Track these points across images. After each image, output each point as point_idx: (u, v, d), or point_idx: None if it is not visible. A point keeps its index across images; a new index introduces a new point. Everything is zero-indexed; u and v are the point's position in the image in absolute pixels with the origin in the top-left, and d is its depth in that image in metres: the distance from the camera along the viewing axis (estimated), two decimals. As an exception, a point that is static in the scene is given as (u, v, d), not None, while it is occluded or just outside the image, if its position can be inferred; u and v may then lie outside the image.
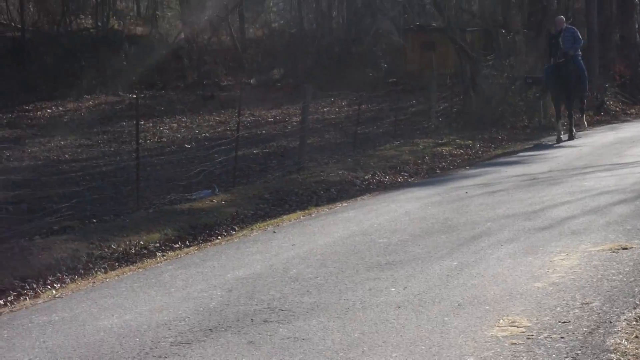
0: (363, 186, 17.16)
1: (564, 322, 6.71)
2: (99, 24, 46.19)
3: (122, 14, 51.46)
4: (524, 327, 6.66)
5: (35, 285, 9.78)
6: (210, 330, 7.13)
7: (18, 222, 13.46)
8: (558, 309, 7.10)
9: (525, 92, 29.49)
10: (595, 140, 23.94)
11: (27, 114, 33.93)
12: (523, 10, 34.25)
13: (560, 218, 11.42)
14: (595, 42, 37.39)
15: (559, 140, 23.54)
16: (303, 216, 13.64)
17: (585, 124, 26.50)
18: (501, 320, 6.86)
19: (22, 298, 9.29)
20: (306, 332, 6.85)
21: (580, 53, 24.05)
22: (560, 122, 24.24)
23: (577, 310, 7.02)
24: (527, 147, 23.34)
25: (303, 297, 8.04)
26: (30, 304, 8.88)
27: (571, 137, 23.85)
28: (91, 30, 45.74)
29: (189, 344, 6.77)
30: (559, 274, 8.26)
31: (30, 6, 45.30)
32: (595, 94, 34.94)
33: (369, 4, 39.26)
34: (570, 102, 24.13)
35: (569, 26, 24.45)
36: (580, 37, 24.27)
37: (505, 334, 6.52)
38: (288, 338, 6.73)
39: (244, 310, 7.67)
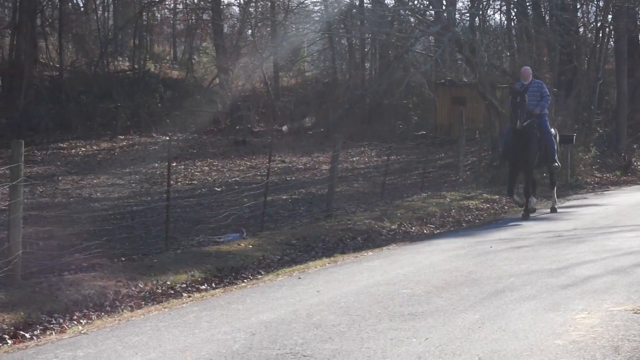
0: (389, 236, 17.15)
1: (583, 380, 6.67)
2: (136, 66, 46.44)
3: (158, 57, 51.81)
4: (544, 383, 6.61)
5: (61, 321, 9.80)
6: (232, 372, 7.12)
7: (48, 258, 13.51)
8: (578, 366, 7.05)
9: (553, 149, 29.45)
10: (622, 200, 23.88)
11: (61, 151, 34.11)
12: (554, 69, 34.30)
13: (584, 276, 11.37)
14: (624, 103, 37.51)
15: (525, 216, 19.35)
16: (329, 263, 13.62)
17: (556, 201, 21.34)
18: (521, 376, 6.82)
19: (48, 332, 9.30)
20: (327, 379, 6.83)
21: (546, 112, 20.35)
22: (517, 194, 20.22)
23: (597, 369, 6.98)
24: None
25: (325, 343, 8.02)
26: (56, 338, 8.89)
27: (526, 217, 19.37)
28: (128, 73, 46.03)
29: (211, 385, 6.77)
30: (580, 332, 8.21)
31: (69, 47, 45.70)
32: (623, 154, 34.94)
33: (402, 57, 39.29)
34: (530, 174, 19.87)
35: (537, 80, 20.72)
36: (549, 92, 20.41)
37: (525, 389, 6.48)
38: (309, 384, 6.71)
39: (266, 355, 7.65)
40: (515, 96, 19.02)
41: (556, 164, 20.24)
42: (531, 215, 19.71)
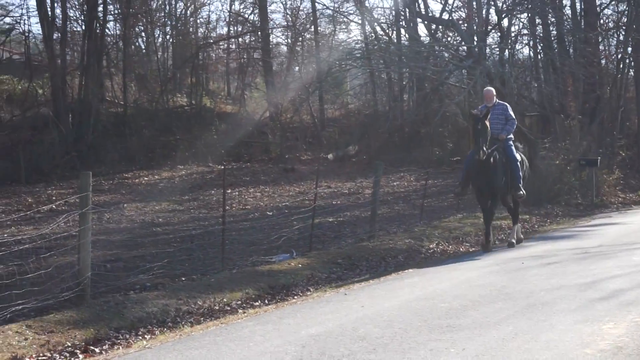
0: (428, 254, 17.09)
1: (611, 386, 6.61)
2: (193, 102, 46.86)
3: (213, 93, 52.21)
4: (574, 389, 6.56)
5: (128, 336, 9.85)
6: (284, 382, 7.12)
7: (115, 279, 13.59)
8: (606, 374, 6.99)
9: (579, 172, 29.39)
10: (643, 218, 23.69)
11: (126, 181, 34.40)
12: (578, 98, 34.19)
13: (610, 290, 11.29)
14: (645, 127, 37.44)
15: (486, 247, 16.91)
16: (372, 280, 13.59)
17: (520, 235, 18.43)
18: (552, 383, 6.77)
19: (115, 347, 9.35)
20: (372, 387, 6.81)
21: (512, 137, 17.38)
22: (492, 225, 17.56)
23: (623, 376, 6.91)
24: (580, 222, 23.10)
25: (370, 355, 7.99)
26: (123, 352, 8.94)
27: (486, 248, 16.93)
28: (185, 108, 46.42)
29: (265, 394, 6.76)
30: (607, 342, 8.14)
31: (133, 85, 46.17)
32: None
33: (437, 89, 39.30)
34: (495, 202, 17.33)
35: (501, 102, 17.64)
36: (514, 116, 17.36)
37: (556, 395, 6.43)
38: (355, 392, 6.69)
39: (315, 365, 7.65)
40: (475, 123, 16.30)
41: (521, 192, 17.26)
42: (517, 244, 17.56)
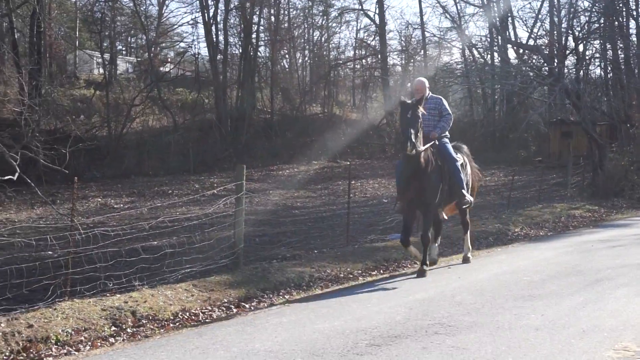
0: (513, 237, 16.77)
1: (666, 350, 6.40)
2: (325, 110, 47.27)
3: (341, 103, 52.51)
4: (634, 351, 6.37)
5: (271, 296, 9.94)
6: (395, 337, 7.08)
7: (262, 250, 13.77)
8: (662, 339, 6.76)
9: (641, 172, 28.53)
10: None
11: (271, 172, 34.84)
12: (641, 110, 33.24)
13: (666, 269, 10.93)
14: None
15: (421, 272, 10.96)
16: (467, 257, 13.42)
17: (469, 248, 12.87)
18: (616, 345, 6.59)
19: (261, 304, 9.45)
20: (466, 343, 6.73)
21: (447, 135, 11.77)
22: (410, 248, 11.32)
23: (677, 342, 6.67)
24: (641, 213, 22.40)
25: (465, 317, 7.90)
26: (267, 308, 9.03)
27: (422, 273, 10.92)
28: (319, 115, 46.80)
29: (379, 346, 6.74)
30: (664, 312, 7.89)
31: (278, 97, 46.76)
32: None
33: (523, 102, 38.61)
34: (429, 215, 11.33)
35: (435, 95, 11.97)
36: (450, 111, 11.80)
37: (619, 356, 6.25)
38: (452, 347, 6.62)
39: (420, 324, 7.59)
40: (405, 111, 10.48)
41: (466, 198, 11.75)
42: (432, 267, 11.64)
